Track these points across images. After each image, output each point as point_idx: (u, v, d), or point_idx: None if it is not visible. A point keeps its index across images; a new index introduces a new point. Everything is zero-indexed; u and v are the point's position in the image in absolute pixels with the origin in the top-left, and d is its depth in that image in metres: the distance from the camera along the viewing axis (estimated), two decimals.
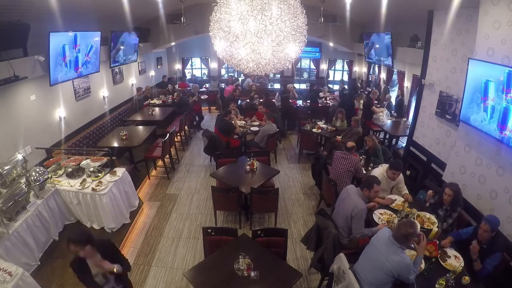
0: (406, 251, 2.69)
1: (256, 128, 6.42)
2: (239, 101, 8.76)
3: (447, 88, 4.47)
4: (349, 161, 4.27)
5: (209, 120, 9.53)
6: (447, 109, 4.44)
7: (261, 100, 8.37)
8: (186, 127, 7.74)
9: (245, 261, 2.67)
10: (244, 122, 6.71)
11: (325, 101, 8.88)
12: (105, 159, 4.38)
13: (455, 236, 3.01)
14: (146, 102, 8.40)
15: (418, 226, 2.97)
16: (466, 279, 2.51)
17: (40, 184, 3.66)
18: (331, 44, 10.04)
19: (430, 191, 3.67)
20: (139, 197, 5.02)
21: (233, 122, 6.24)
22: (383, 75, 8.99)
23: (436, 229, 3.09)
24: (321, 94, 9.22)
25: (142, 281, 3.50)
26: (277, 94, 9.32)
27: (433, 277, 2.58)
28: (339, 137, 5.96)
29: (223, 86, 10.51)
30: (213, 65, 12.19)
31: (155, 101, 8.63)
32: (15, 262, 2.85)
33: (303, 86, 11.86)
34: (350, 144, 4.43)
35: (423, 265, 2.66)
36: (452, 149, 4.17)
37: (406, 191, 3.84)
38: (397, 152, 6.27)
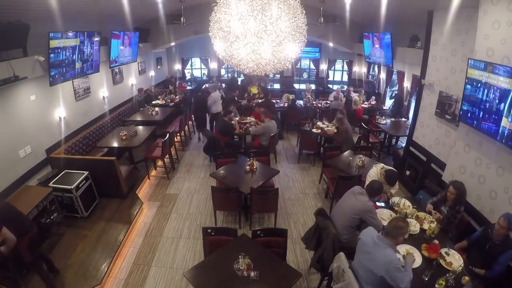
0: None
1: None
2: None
3: (446, 88, 4.47)
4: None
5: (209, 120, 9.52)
6: (447, 109, 4.45)
7: (259, 101, 8.37)
8: (186, 127, 7.74)
9: (245, 261, 2.68)
10: (253, 120, 6.77)
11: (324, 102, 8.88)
12: None
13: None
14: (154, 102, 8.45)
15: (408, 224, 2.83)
16: (466, 279, 2.51)
17: None
18: (331, 44, 10.05)
19: (430, 206, 3.51)
20: (139, 197, 5.03)
21: (233, 122, 6.23)
22: (383, 75, 9.00)
23: (433, 225, 3.08)
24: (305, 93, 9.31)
25: (142, 281, 3.50)
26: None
27: (433, 277, 2.58)
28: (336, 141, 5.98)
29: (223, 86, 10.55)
30: (213, 65, 12.19)
31: (158, 101, 8.62)
32: None
33: (302, 86, 11.88)
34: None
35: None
36: (451, 149, 4.17)
37: (397, 187, 3.94)
38: (397, 152, 6.28)
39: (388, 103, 8.78)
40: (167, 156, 5.93)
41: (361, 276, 2.53)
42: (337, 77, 12.40)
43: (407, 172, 5.41)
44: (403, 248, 2.83)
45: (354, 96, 8.85)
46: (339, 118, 5.95)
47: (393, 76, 8.40)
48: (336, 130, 6.24)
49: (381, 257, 2.39)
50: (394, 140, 7.10)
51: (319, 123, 6.65)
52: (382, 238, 2.47)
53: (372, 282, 2.46)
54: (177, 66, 12.05)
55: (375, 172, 3.83)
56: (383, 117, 7.03)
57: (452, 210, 3.30)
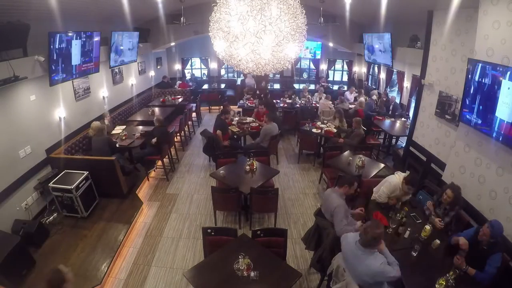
0: None
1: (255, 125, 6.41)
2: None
3: (446, 88, 4.48)
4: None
5: (209, 120, 9.53)
6: (447, 109, 4.45)
7: (257, 100, 8.37)
8: (186, 127, 7.74)
9: (245, 261, 2.68)
10: (251, 119, 6.78)
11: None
12: None
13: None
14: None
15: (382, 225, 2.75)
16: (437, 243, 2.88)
17: None
18: (330, 44, 10.06)
19: (430, 203, 3.49)
20: (139, 197, 5.03)
21: (231, 122, 6.22)
22: (382, 75, 9.00)
23: (428, 227, 3.08)
24: (316, 95, 9.21)
25: (142, 281, 3.50)
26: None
27: (421, 252, 2.84)
28: (341, 139, 5.96)
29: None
30: (213, 65, 12.19)
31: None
32: None
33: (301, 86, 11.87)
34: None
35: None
36: (451, 149, 4.17)
37: (410, 194, 3.75)
38: (397, 152, 6.28)
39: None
40: (167, 156, 5.93)
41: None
42: (337, 77, 12.40)
43: (407, 172, 5.40)
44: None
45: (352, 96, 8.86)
46: (357, 121, 5.84)
47: (393, 76, 8.40)
48: (338, 127, 6.27)
49: (364, 269, 2.35)
50: (394, 140, 7.10)
51: (319, 123, 6.65)
52: (362, 249, 2.38)
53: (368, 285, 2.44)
54: (177, 66, 12.04)
55: (397, 181, 3.64)
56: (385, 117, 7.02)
57: (447, 211, 3.28)
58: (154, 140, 5.57)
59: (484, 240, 2.69)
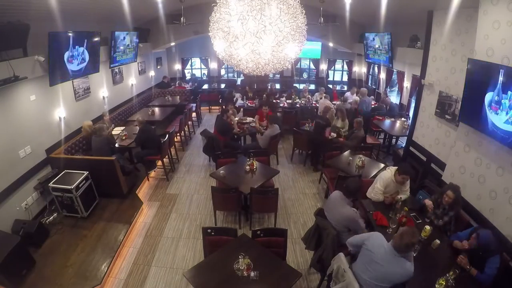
0: None
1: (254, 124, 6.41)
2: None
3: (446, 88, 4.48)
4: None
5: (209, 120, 9.53)
6: (447, 109, 4.45)
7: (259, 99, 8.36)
8: (186, 127, 7.74)
9: (245, 261, 2.68)
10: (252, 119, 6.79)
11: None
12: None
13: (455, 240, 2.98)
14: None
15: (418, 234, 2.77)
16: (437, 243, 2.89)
17: None
18: (330, 44, 10.06)
19: (428, 201, 3.46)
20: (139, 197, 5.03)
21: (232, 122, 6.23)
22: (382, 75, 9.00)
23: (428, 227, 3.08)
24: (317, 95, 9.19)
25: (142, 281, 3.50)
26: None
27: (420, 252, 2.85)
28: (341, 139, 5.95)
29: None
30: (213, 65, 12.19)
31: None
32: None
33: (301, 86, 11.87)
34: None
35: None
36: (451, 149, 4.17)
37: (408, 193, 3.74)
38: (397, 152, 6.27)
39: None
40: (166, 156, 5.93)
41: (367, 280, 2.49)
42: (337, 77, 12.41)
43: None
44: None
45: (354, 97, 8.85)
46: (358, 122, 5.77)
47: (393, 76, 8.40)
48: (338, 128, 6.26)
49: (400, 272, 2.39)
50: (394, 140, 7.10)
51: None
52: (396, 254, 2.41)
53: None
54: (177, 66, 12.05)
55: (389, 175, 3.64)
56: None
57: (446, 211, 3.27)
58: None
59: (472, 244, 2.72)
